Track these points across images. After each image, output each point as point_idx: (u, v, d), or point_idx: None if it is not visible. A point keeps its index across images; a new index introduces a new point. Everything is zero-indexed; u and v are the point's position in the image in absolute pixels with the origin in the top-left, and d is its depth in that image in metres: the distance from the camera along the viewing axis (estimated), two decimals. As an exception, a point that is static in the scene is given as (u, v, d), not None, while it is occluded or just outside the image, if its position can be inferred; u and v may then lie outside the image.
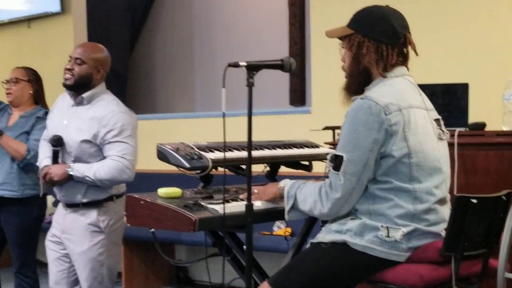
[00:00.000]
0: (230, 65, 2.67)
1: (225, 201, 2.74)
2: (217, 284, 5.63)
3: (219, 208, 2.71)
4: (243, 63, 2.67)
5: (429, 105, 2.81)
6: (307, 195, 2.72)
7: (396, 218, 2.60)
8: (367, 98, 2.62)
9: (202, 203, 2.75)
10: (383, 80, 2.72)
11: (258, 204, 2.83)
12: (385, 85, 2.70)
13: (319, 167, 3.47)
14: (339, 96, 5.10)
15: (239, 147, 3.15)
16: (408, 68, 2.80)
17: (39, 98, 4.41)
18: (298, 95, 6.97)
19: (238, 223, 2.74)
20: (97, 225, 3.63)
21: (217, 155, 3.00)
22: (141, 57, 8.16)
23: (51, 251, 3.79)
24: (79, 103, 3.64)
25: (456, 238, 2.58)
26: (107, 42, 7.28)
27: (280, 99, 6.95)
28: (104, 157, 3.59)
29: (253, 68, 2.68)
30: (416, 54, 2.79)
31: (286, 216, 2.78)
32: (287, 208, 2.77)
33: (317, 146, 3.51)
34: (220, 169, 3.07)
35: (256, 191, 2.87)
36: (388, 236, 2.59)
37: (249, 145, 2.67)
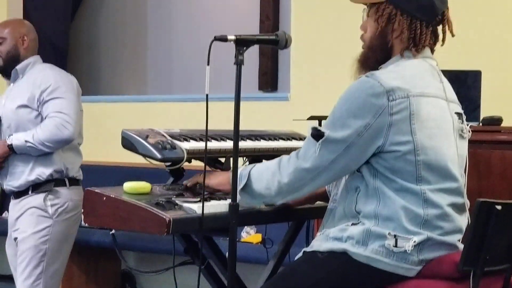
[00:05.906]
0: (216, 39, 2.63)
1: (204, 199, 2.69)
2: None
3: (196, 207, 2.67)
4: (231, 37, 2.64)
5: (451, 95, 2.79)
6: (262, 170, 2.72)
7: (407, 223, 2.58)
8: (373, 77, 2.61)
9: (177, 201, 2.71)
10: (398, 60, 2.71)
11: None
12: (399, 66, 2.69)
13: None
14: (323, 81, 5.07)
15: (217, 137, 3.11)
16: (433, 50, 2.78)
17: None
18: (269, 79, 6.93)
19: (218, 226, 2.72)
20: (44, 209, 3.67)
21: (194, 145, 2.97)
22: (84, 28, 8.04)
23: (11, 253, 3.80)
24: (15, 78, 3.84)
25: (476, 251, 2.55)
26: (43, 9, 7.20)
27: (246, 83, 6.89)
28: None
29: (243, 43, 2.65)
30: (452, 34, 2.77)
31: (238, 198, 2.67)
32: (238, 188, 2.69)
33: (305, 139, 3.47)
34: (194, 162, 3.04)
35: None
36: (396, 246, 2.56)
37: (236, 134, 2.62)
